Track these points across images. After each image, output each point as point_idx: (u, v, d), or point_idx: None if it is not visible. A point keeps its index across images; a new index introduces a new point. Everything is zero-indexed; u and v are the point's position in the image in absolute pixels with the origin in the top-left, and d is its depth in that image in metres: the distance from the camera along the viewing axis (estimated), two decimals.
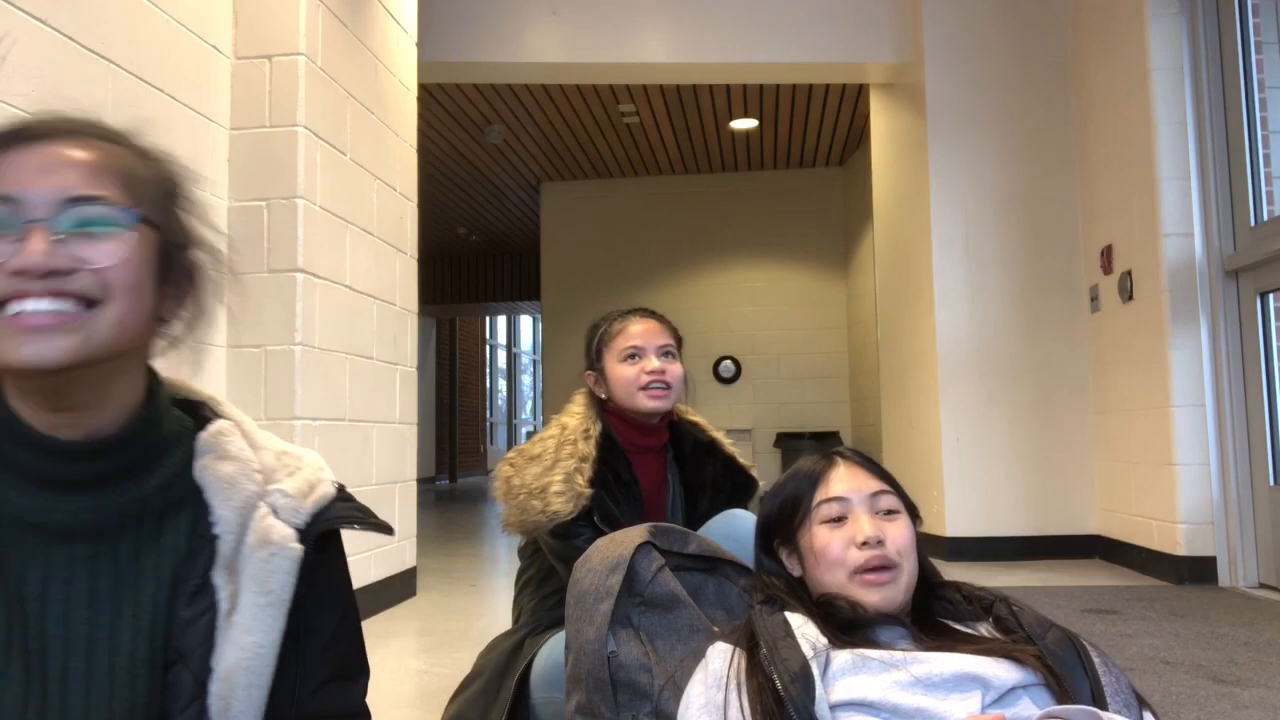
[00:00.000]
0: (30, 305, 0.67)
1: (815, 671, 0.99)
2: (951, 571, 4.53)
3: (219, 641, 0.75)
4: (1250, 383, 3.78)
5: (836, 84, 6.64)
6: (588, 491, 1.64)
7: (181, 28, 2.74)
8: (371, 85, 3.56)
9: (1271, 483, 3.67)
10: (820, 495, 1.20)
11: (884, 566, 1.13)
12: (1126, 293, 4.24)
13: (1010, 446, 4.78)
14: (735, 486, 1.87)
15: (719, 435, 1.92)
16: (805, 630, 1.06)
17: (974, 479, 4.77)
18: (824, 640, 1.05)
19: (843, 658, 1.01)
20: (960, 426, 4.80)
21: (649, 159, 8.67)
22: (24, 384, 0.72)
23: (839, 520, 1.17)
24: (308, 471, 0.87)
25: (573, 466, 1.66)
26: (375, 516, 0.89)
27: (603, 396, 1.81)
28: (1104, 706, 1.03)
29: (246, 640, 0.76)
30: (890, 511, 1.19)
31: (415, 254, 3.96)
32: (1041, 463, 4.74)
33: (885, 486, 1.22)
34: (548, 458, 1.69)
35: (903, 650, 1.05)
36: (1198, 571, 3.81)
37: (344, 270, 3.25)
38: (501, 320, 17.42)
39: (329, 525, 0.85)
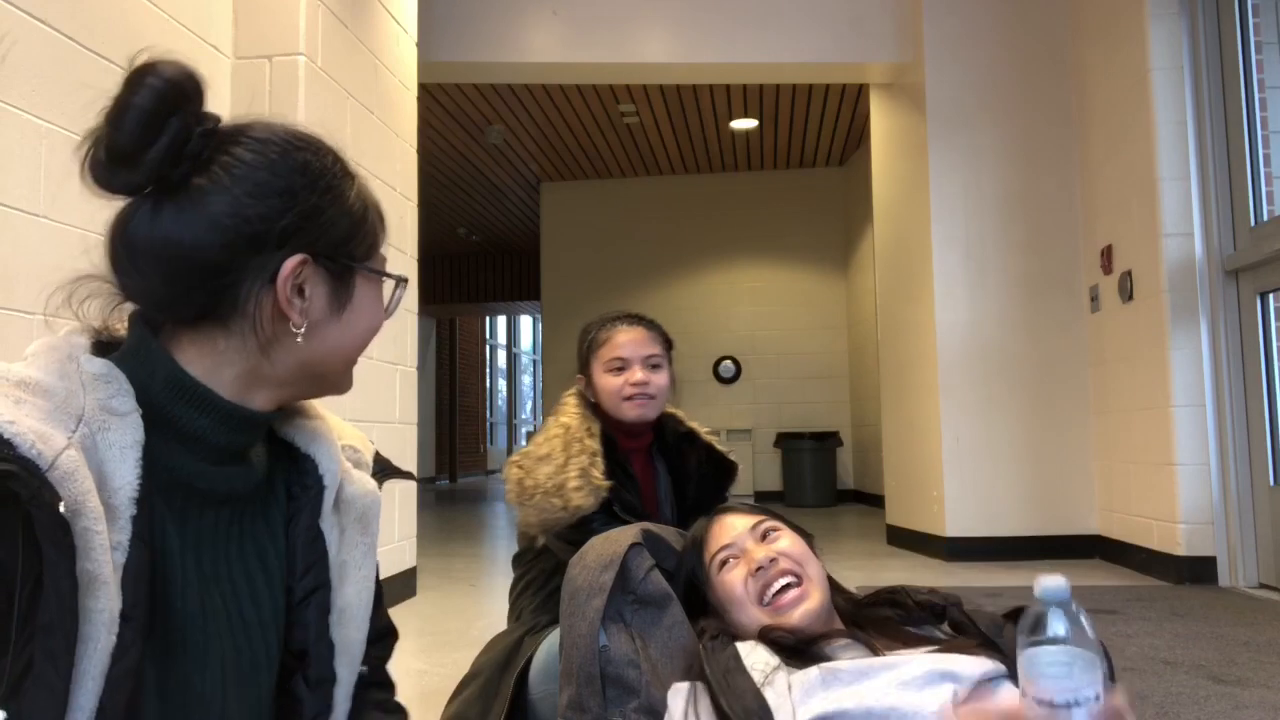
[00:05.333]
0: None
1: (771, 699, 1.00)
2: (951, 571, 4.48)
3: (335, 580, 0.86)
4: (1250, 383, 3.78)
5: (836, 84, 6.64)
6: (606, 484, 1.65)
7: (181, 28, 2.74)
8: (371, 85, 3.56)
9: (1271, 483, 3.68)
10: (708, 554, 1.27)
11: (789, 584, 1.18)
12: (1126, 293, 4.24)
13: (1010, 446, 4.78)
14: (718, 472, 1.91)
15: (695, 425, 1.96)
16: (754, 657, 1.08)
17: (974, 479, 4.77)
18: (775, 661, 1.06)
19: (812, 675, 1.02)
20: (960, 426, 4.80)
21: (649, 159, 8.67)
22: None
23: (731, 562, 1.24)
24: (350, 427, 0.98)
25: (586, 462, 1.68)
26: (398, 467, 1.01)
27: (592, 400, 1.84)
28: None
29: (358, 575, 0.88)
30: (772, 532, 1.26)
31: (415, 254, 3.96)
32: (1041, 463, 4.74)
33: (761, 517, 1.28)
34: (558, 456, 1.70)
35: (863, 659, 1.06)
36: (1198, 571, 3.81)
37: None
38: (501, 320, 17.42)
39: (383, 477, 0.97)
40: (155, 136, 0.72)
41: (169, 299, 0.76)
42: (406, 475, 1.01)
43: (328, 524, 0.87)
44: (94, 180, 0.74)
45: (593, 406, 1.84)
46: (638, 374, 1.79)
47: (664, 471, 1.91)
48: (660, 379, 1.81)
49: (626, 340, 1.82)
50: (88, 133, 0.74)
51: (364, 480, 0.92)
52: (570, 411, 1.81)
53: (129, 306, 0.79)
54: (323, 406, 0.94)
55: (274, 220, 0.76)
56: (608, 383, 1.80)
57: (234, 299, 0.76)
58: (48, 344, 0.74)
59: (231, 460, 0.80)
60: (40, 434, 0.65)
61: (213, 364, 0.77)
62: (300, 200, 0.77)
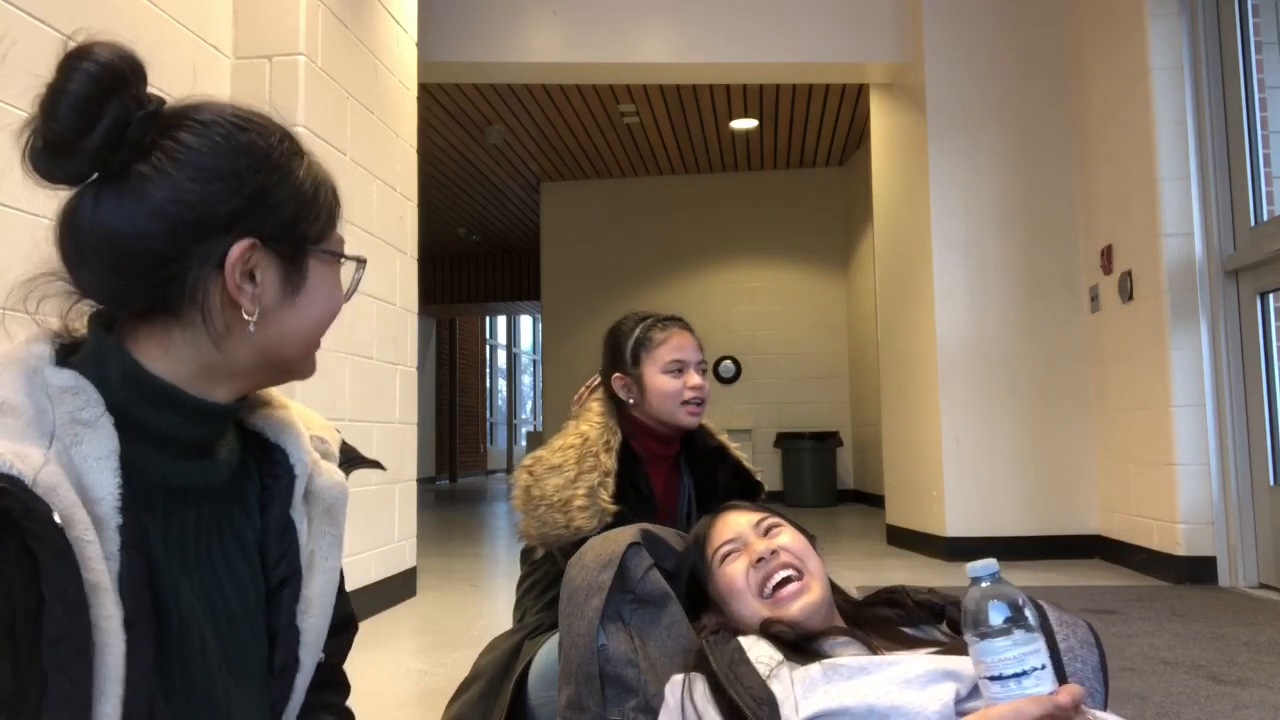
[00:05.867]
0: None
1: (777, 691, 1.01)
2: (951, 571, 4.47)
3: (305, 571, 0.86)
4: (1250, 383, 3.78)
5: (836, 84, 6.64)
6: (612, 508, 1.61)
7: (181, 28, 2.74)
8: (371, 85, 3.56)
9: (1271, 483, 3.67)
10: (711, 548, 1.28)
11: (789, 578, 1.18)
12: (1126, 293, 4.24)
13: (1010, 446, 4.78)
14: (744, 490, 1.86)
15: (725, 439, 1.90)
16: (758, 650, 1.08)
17: (974, 479, 4.77)
18: (778, 655, 1.07)
19: (813, 671, 1.02)
20: (960, 426, 4.80)
21: (649, 159, 8.67)
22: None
23: (733, 555, 1.25)
24: (317, 416, 0.96)
25: (596, 480, 1.63)
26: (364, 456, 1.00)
27: (631, 402, 1.77)
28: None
29: (325, 566, 0.88)
30: (775, 528, 1.27)
31: (415, 254, 3.96)
32: (1041, 463, 4.74)
33: (765, 514, 1.29)
34: (570, 469, 1.65)
35: (863, 656, 1.06)
36: (1198, 571, 3.81)
37: None
38: (501, 320, 17.42)
39: (351, 467, 0.95)
40: (93, 123, 0.70)
41: (118, 290, 0.74)
42: (374, 464, 0.99)
43: (298, 514, 0.86)
44: (35, 170, 0.72)
45: (618, 414, 1.78)
46: (695, 378, 1.76)
47: (690, 486, 1.86)
48: (707, 384, 1.79)
49: (684, 343, 1.78)
50: (25, 122, 0.72)
51: (332, 472, 0.91)
52: (592, 419, 1.75)
53: (85, 307, 0.78)
54: (285, 395, 0.93)
55: (218, 205, 0.73)
56: (665, 384, 1.74)
57: (182, 288, 0.74)
58: (8, 358, 0.72)
59: (202, 454, 0.79)
60: (16, 453, 0.63)
61: (172, 359, 0.76)
62: (245, 183, 0.75)
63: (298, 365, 0.83)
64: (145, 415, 0.74)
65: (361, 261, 0.85)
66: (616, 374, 1.79)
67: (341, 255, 0.83)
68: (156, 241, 0.72)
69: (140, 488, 0.72)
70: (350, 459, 0.95)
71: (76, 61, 0.71)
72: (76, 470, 0.68)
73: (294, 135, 0.82)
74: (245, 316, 0.75)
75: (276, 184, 0.77)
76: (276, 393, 0.91)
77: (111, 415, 0.71)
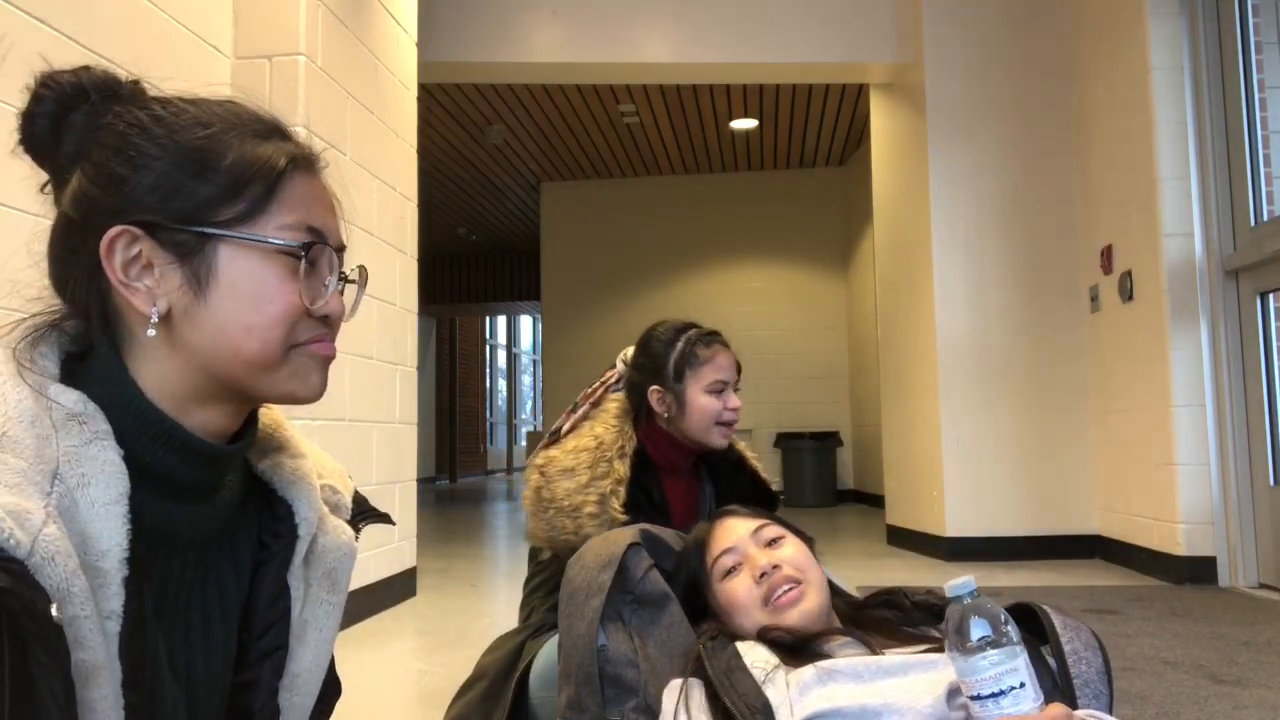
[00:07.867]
0: (329, 348, 0.74)
1: (772, 697, 1.01)
2: (951, 571, 4.47)
3: (294, 642, 0.77)
4: (1250, 383, 3.78)
5: (836, 84, 6.64)
6: (622, 518, 1.58)
7: (181, 28, 2.74)
8: (371, 85, 3.56)
9: (1271, 483, 3.67)
10: (710, 557, 1.27)
11: (789, 586, 1.18)
12: (1126, 293, 4.24)
13: (1010, 446, 4.77)
14: (762, 500, 1.83)
15: (743, 448, 1.88)
16: (753, 655, 1.08)
17: (974, 479, 4.77)
18: (774, 659, 1.07)
19: (808, 673, 1.03)
20: (960, 426, 4.80)
21: (649, 159, 8.67)
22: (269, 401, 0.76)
23: (734, 569, 1.24)
24: (331, 461, 0.88)
25: (608, 488, 1.60)
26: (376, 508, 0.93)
27: (666, 416, 1.73)
28: (1070, 691, 1.05)
29: (318, 638, 0.79)
30: (776, 539, 1.26)
31: (415, 254, 3.96)
32: (1041, 463, 4.74)
33: (764, 521, 1.29)
34: (582, 473, 1.62)
35: (859, 656, 1.06)
36: (1198, 571, 3.81)
37: None
38: (501, 320, 17.43)
39: (363, 521, 0.87)
40: (59, 139, 0.70)
41: (62, 298, 0.71)
42: (384, 519, 0.89)
43: (295, 579, 0.77)
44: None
45: (635, 420, 1.74)
46: (734, 399, 1.73)
47: (711, 493, 1.84)
48: (741, 404, 1.77)
49: (727, 362, 1.75)
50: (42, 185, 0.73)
51: (339, 530, 0.81)
52: (607, 422, 1.71)
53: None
54: (306, 442, 0.84)
55: (101, 191, 0.68)
56: (707, 403, 1.71)
57: (99, 293, 0.69)
58: (9, 368, 0.64)
59: (200, 497, 0.71)
60: (14, 512, 0.55)
61: (155, 377, 0.69)
62: (134, 164, 0.68)
63: (255, 383, 0.71)
64: (146, 452, 0.67)
65: (301, 249, 0.70)
66: (655, 387, 1.73)
67: (264, 241, 0.69)
68: (62, 247, 0.70)
69: (134, 532, 0.65)
70: (363, 512, 0.87)
71: (40, 87, 0.70)
72: (80, 518, 0.60)
73: (244, 118, 0.73)
74: (143, 314, 0.68)
75: (158, 160, 0.68)
76: (297, 437, 0.82)
77: (120, 448, 0.64)
